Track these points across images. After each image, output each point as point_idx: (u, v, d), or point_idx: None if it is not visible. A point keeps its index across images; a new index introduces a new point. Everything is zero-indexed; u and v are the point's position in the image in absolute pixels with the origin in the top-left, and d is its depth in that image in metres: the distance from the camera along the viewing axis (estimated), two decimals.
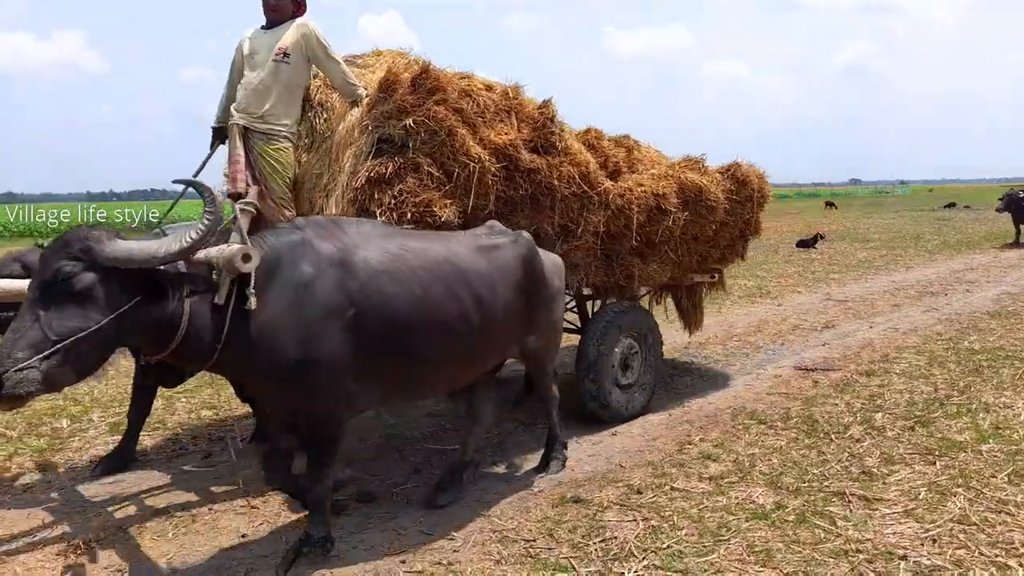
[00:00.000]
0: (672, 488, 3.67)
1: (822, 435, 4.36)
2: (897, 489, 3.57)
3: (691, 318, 6.06)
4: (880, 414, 4.69)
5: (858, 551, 2.98)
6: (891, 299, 9.33)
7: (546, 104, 4.21)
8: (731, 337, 7.38)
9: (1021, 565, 2.83)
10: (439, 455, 4.30)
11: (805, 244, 16.19)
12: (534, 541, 3.16)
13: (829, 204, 39.75)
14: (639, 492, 3.63)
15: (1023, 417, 4.52)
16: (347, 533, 3.27)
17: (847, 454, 4.04)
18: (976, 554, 2.93)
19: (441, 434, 4.70)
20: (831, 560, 2.92)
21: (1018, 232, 16.15)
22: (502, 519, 3.39)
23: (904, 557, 2.92)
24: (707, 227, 5.02)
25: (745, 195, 5.29)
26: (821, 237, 16.73)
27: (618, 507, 3.47)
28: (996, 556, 2.91)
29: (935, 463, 3.86)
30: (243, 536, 3.28)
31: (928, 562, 2.88)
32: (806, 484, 3.66)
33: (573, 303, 5.31)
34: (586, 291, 5.00)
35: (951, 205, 35.07)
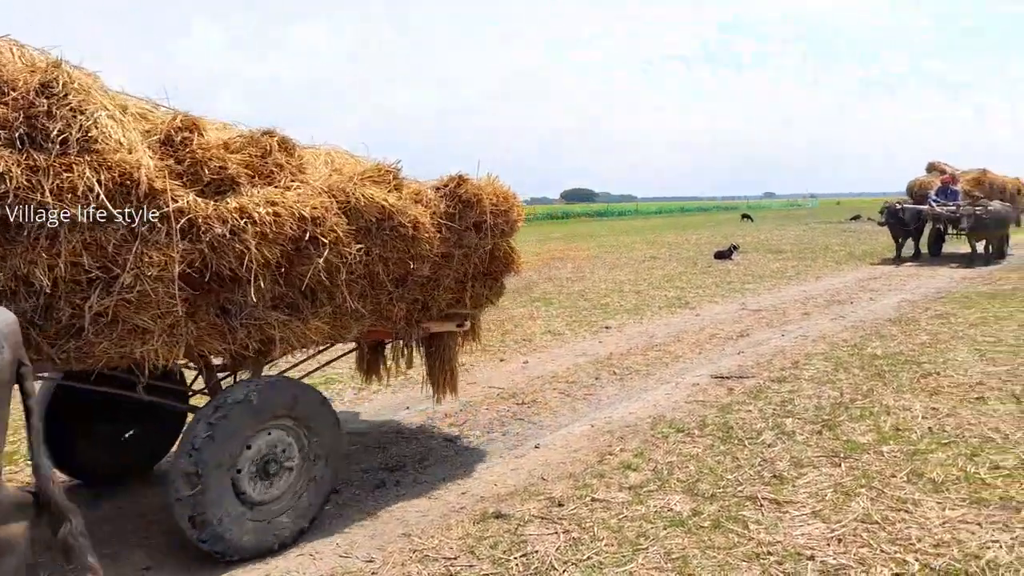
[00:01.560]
0: (593, 499, 3.71)
1: (736, 441, 4.50)
2: (806, 491, 3.71)
3: (438, 378, 4.64)
4: (790, 419, 4.88)
5: (769, 553, 3.08)
6: (801, 308, 9.75)
7: (52, 66, 2.89)
8: (651, 347, 7.54)
9: (917, 560, 2.99)
10: (361, 476, 4.21)
11: (722, 255, 16.75)
12: (455, 559, 3.13)
13: (745, 216, 41.33)
14: (560, 505, 3.65)
15: (920, 419, 4.78)
16: (259, 562, 3.16)
17: (759, 459, 4.18)
18: (877, 552, 3.07)
19: (359, 454, 4.60)
20: (744, 564, 3.00)
21: (898, 245, 15.56)
22: (422, 537, 3.34)
23: (812, 557, 3.04)
24: (413, 264, 3.74)
25: (474, 220, 4.01)
26: (736, 248, 17.36)
27: (540, 520, 3.48)
28: (895, 553, 3.06)
29: (840, 465, 4.04)
30: None
31: (834, 561, 3.00)
32: (721, 490, 3.76)
33: (200, 382, 3.88)
34: (217, 361, 3.50)
35: (856, 217, 36.95)
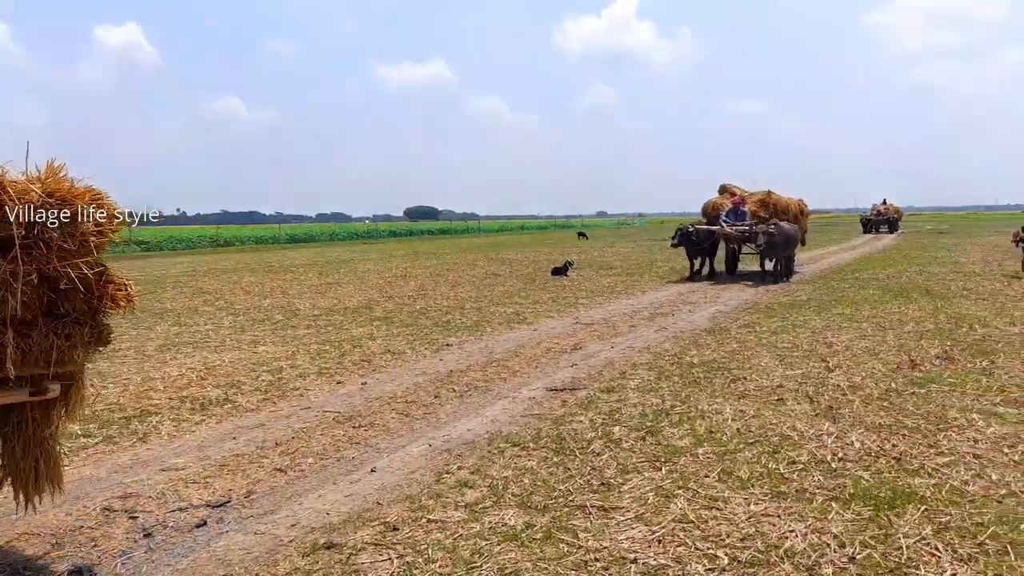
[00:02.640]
0: (428, 520, 3.68)
1: (568, 452, 4.66)
2: (630, 496, 3.91)
3: (23, 473, 3.18)
4: (618, 427, 5.13)
5: (596, 560, 3.21)
6: (629, 321, 10.33)
7: None
8: (491, 363, 7.65)
9: (727, 554, 3.23)
10: (178, 515, 3.89)
11: (558, 272, 17.42)
12: None
13: (581, 235, 43.31)
14: (395, 529, 3.59)
15: (730, 421, 5.21)
16: None
17: (589, 468, 4.35)
18: (692, 549, 3.29)
19: (184, 489, 4.26)
20: (573, 572, 3.11)
21: (692, 265, 16.43)
22: None
23: (635, 560, 3.20)
24: None
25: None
26: (571, 265, 18.12)
27: (373, 547, 3.40)
28: (708, 549, 3.29)
29: (661, 469, 4.30)
30: None
31: (654, 562, 3.18)
32: (553, 501, 3.87)
33: None
34: None
35: None
